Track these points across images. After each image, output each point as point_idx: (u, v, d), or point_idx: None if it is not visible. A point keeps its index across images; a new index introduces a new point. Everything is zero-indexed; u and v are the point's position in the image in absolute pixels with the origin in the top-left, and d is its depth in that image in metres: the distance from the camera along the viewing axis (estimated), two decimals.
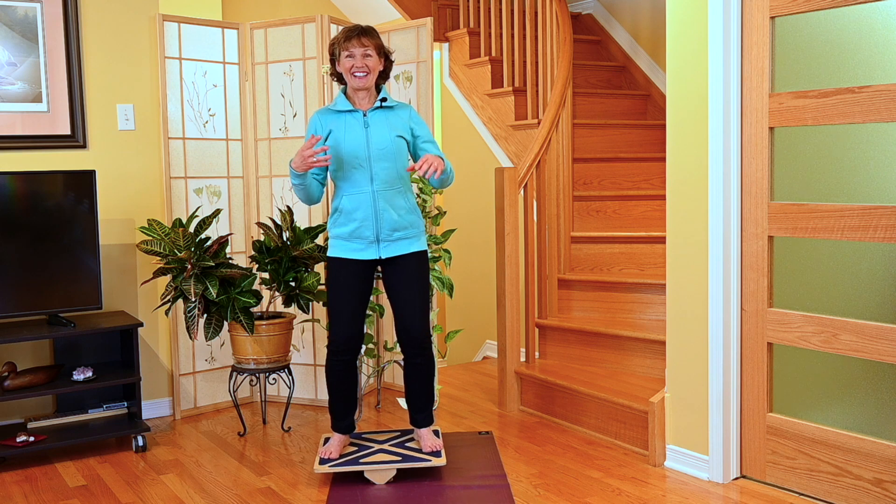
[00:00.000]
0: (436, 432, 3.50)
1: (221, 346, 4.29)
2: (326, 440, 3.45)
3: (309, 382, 4.34)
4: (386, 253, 3.22)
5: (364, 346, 4.17)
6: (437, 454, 3.27)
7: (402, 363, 3.37)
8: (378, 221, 3.18)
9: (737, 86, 3.12)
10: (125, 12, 4.02)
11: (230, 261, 3.80)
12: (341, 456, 3.29)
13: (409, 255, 3.25)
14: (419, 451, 3.31)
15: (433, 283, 4.04)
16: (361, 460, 3.23)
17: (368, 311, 4.12)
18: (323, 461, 3.24)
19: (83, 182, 3.71)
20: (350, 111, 3.21)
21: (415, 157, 3.32)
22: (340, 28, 4.25)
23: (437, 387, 4.31)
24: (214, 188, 4.24)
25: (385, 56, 3.25)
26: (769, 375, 3.12)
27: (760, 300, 3.11)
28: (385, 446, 3.38)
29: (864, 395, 2.86)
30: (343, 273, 3.23)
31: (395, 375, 4.57)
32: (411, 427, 3.64)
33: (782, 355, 3.09)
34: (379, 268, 3.31)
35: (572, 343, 4.17)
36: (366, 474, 3.22)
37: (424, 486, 3.17)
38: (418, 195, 4.08)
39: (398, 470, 3.26)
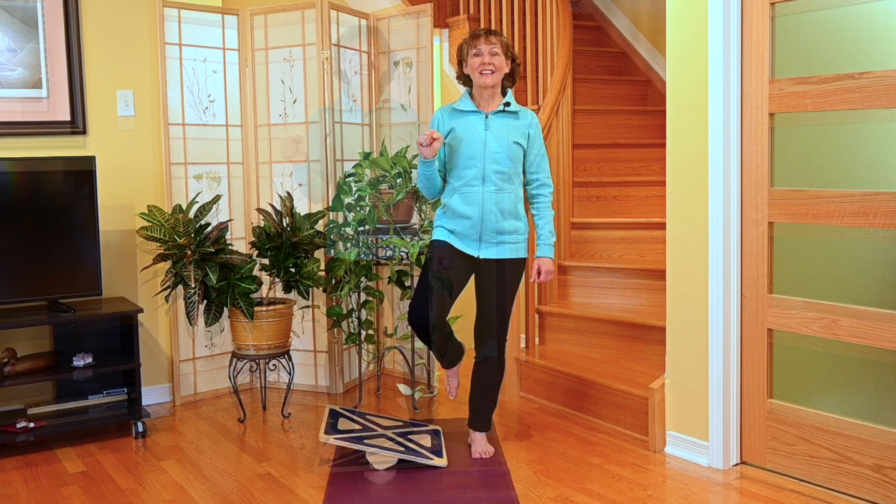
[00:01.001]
0: (436, 432, 3.51)
1: (221, 332, 4.29)
2: (330, 415, 3.49)
3: (309, 369, 4.34)
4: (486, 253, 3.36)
5: (364, 332, 4.18)
6: (438, 453, 3.26)
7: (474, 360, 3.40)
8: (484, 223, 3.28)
9: (737, 72, 3.10)
10: None
11: (230, 246, 3.79)
12: (346, 431, 3.30)
13: (505, 261, 3.34)
14: (420, 446, 3.31)
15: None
16: (365, 440, 3.24)
17: (369, 298, 4.13)
18: (328, 432, 3.26)
19: (83, 168, 3.70)
20: (473, 111, 3.22)
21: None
22: (340, 14, 4.23)
23: (435, 381, 4.32)
24: (214, 174, 4.23)
25: (512, 58, 3.26)
26: (769, 361, 3.12)
27: (760, 286, 3.11)
28: (389, 433, 3.39)
29: (865, 381, 2.86)
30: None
31: (396, 362, 4.57)
32: (410, 419, 3.65)
33: (782, 341, 3.09)
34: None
35: (572, 329, 4.17)
36: (367, 456, 3.23)
37: (424, 471, 3.18)
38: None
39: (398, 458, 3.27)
